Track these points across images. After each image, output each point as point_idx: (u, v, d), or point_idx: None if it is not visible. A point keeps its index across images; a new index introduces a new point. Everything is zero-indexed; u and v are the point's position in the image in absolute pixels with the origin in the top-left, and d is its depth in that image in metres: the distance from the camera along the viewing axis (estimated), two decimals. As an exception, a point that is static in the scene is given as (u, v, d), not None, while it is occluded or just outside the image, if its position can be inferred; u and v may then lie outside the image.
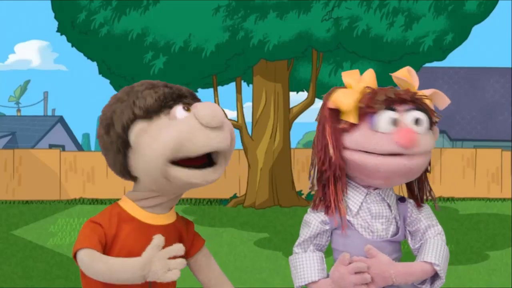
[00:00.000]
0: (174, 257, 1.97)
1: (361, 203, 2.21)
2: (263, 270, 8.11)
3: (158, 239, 1.97)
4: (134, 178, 2.16)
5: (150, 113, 2.06)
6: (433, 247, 2.18)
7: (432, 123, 2.15)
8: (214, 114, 2.02)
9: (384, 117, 2.11)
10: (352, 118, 2.13)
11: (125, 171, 2.13)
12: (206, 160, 2.09)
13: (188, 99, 2.13)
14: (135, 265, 1.94)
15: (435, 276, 2.19)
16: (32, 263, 8.47)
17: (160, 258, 1.94)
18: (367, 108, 2.12)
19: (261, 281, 7.55)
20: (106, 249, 2.07)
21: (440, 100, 2.20)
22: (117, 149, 2.08)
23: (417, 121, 2.11)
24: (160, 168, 2.02)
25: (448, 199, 15.62)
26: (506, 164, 16.48)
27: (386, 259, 2.12)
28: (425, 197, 2.29)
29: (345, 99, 2.15)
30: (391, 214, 2.21)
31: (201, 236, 2.33)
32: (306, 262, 2.23)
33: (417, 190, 2.28)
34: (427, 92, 2.19)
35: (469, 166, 16.42)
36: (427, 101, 2.16)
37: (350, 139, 2.15)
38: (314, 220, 2.24)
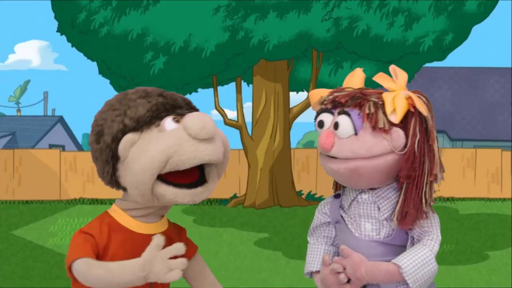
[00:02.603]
0: (175, 257, 1.95)
1: (352, 201, 2.23)
2: (263, 270, 8.11)
3: (158, 239, 1.93)
4: (123, 189, 2.14)
5: (141, 125, 2.03)
6: (410, 251, 2.11)
7: (374, 128, 2.07)
8: (203, 126, 1.97)
9: (317, 119, 2.19)
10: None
11: (113, 182, 2.12)
12: (197, 177, 2.05)
13: (183, 110, 2.08)
14: (135, 267, 1.92)
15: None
16: (32, 263, 8.47)
17: (161, 258, 1.91)
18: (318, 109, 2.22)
19: (261, 281, 7.56)
20: (98, 260, 2.04)
21: (416, 104, 2.12)
22: (106, 159, 2.06)
23: (335, 125, 2.12)
24: (147, 183, 2.00)
25: (448, 199, 15.62)
26: (506, 164, 16.48)
27: (359, 258, 2.11)
28: (399, 215, 2.12)
29: (311, 99, 2.25)
30: (380, 216, 2.18)
31: (193, 243, 2.29)
32: (312, 252, 2.32)
33: (399, 201, 2.15)
34: (404, 94, 2.12)
35: (469, 166, 16.43)
36: (387, 104, 2.09)
37: None
38: (317, 212, 2.34)
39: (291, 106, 14.67)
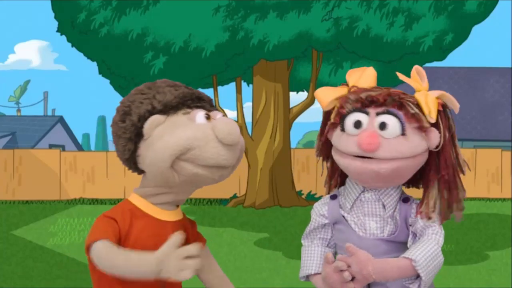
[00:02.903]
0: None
1: (355, 200, 2.23)
2: (263, 270, 8.11)
3: (176, 237, 1.94)
4: (139, 171, 2.20)
5: (168, 108, 2.12)
6: (418, 245, 2.12)
7: (420, 127, 2.10)
8: (231, 132, 2.06)
9: (350, 119, 2.14)
10: (332, 117, 2.19)
11: (132, 161, 2.17)
12: None
13: (207, 105, 2.18)
14: (152, 261, 1.92)
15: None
16: (32, 263, 8.47)
17: (176, 257, 1.92)
18: (340, 108, 2.16)
19: (261, 281, 7.55)
20: (120, 245, 2.07)
21: (448, 103, 2.18)
22: (129, 137, 2.12)
23: (382, 125, 2.10)
24: (165, 161, 2.06)
25: (448, 199, 15.61)
26: (506, 164, 16.49)
27: (365, 256, 2.09)
28: (428, 213, 2.18)
29: (323, 97, 2.21)
30: (385, 214, 2.19)
31: (202, 236, 2.34)
32: (308, 255, 2.32)
33: (433, 199, 2.21)
34: (434, 94, 2.17)
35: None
36: (423, 104, 2.12)
37: (333, 137, 2.22)
38: (314, 214, 2.33)
39: (291, 106, 14.66)
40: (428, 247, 2.11)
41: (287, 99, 14.51)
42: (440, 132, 2.14)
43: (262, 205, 13.83)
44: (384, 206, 2.20)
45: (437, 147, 2.15)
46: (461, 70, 26.77)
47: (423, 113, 2.12)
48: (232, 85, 14.85)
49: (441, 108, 2.16)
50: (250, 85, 14.95)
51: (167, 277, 1.92)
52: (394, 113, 2.10)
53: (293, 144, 15.41)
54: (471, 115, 25.79)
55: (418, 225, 2.18)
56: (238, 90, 14.59)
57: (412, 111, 2.10)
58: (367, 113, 2.12)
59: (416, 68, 2.21)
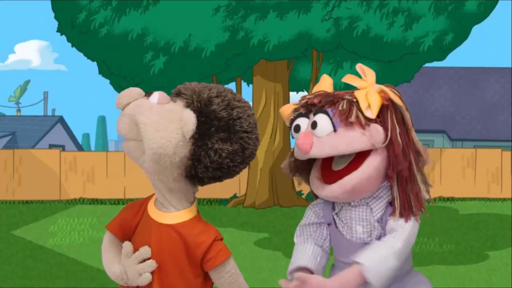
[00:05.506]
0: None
1: (344, 204, 2.21)
2: (263, 270, 8.10)
3: (126, 247, 2.09)
4: None
5: None
6: (370, 247, 2.07)
7: (351, 123, 2.05)
8: (117, 99, 2.07)
9: (292, 125, 2.19)
10: None
11: None
12: None
13: (186, 95, 2.11)
14: (112, 274, 2.12)
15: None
16: (32, 263, 8.46)
17: (129, 266, 2.06)
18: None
19: (261, 281, 7.55)
20: (131, 234, 2.20)
21: (391, 96, 2.10)
22: None
23: (313, 124, 2.10)
24: None
25: (448, 199, 15.61)
26: (506, 164, 16.48)
27: (316, 281, 2.03)
28: (401, 210, 2.11)
29: (284, 112, 2.26)
30: (372, 218, 2.16)
31: (218, 255, 2.20)
32: (299, 250, 2.26)
33: (395, 197, 2.14)
34: (376, 88, 2.11)
35: (469, 166, 16.41)
36: (360, 100, 2.07)
37: None
38: (309, 210, 2.32)
39: (291, 106, 14.67)
40: (378, 249, 2.05)
41: (287, 99, 14.51)
42: (386, 127, 2.09)
43: (262, 205, 13.82)
44: (371, 210, 2.17)
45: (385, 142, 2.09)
46: (461, 70, 26.75)
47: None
48: (232, 85, 14.85)
49: (387, 103, 2.09)
50: (250, 85, 14.95)
51: (132, 285, 2.07)
52: (324, 111, 2.09)
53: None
54: (471, 115, 25.78)
55: (388, 226, 2.13)
56: (238, 90, 14.59)
57: (340, 108, 2.07)
58: (308, 117, 2.14)
59: (358, 66, 2.19)
